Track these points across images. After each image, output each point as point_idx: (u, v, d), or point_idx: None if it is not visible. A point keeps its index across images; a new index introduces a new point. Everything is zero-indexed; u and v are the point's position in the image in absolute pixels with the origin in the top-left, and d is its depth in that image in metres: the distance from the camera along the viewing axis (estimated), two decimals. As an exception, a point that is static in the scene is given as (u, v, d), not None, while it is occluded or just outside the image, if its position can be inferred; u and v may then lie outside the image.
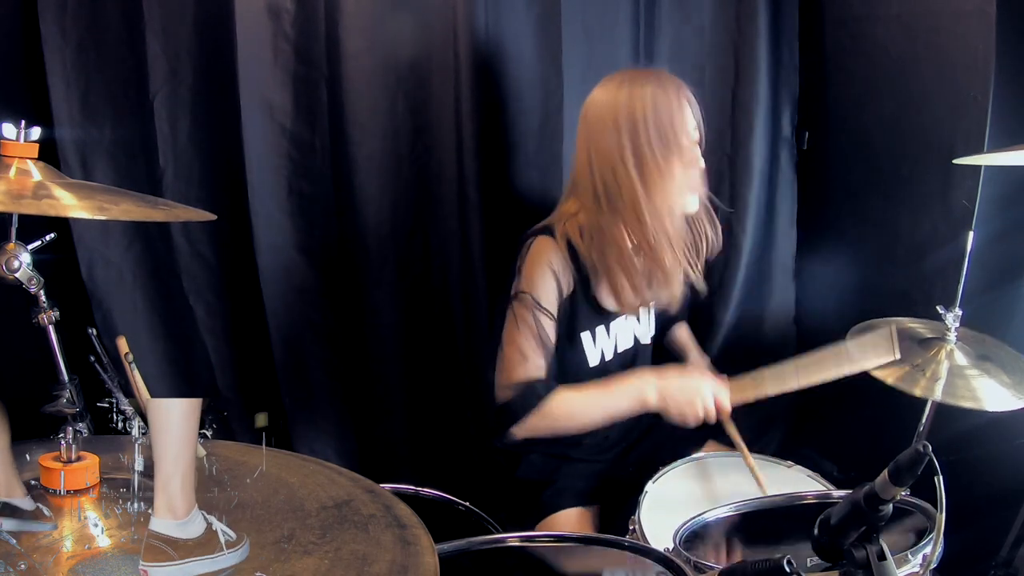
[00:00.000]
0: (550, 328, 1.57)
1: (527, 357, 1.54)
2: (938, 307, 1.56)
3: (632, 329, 1.72)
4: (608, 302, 1.63)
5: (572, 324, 1.61)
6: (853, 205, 2.16)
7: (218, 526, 0.88)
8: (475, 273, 1.96)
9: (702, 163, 1.58)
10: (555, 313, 1.57)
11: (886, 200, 2.02)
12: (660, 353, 1.89)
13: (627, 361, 1.72)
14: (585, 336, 1.63)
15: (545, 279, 1.56)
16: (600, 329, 1.64)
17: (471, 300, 1.99)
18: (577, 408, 1.57)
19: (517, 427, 1.55)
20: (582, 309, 1.61)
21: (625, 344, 1.70)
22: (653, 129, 1.50)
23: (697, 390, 1.54)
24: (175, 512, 0.86)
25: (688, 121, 1.54)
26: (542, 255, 1.57)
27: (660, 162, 1.51)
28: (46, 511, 0.89)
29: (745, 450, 1.59)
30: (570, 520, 1.62)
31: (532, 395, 1.54)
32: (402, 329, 2.05)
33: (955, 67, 1.79)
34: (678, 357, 1.91)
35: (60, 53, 1.79)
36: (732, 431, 1.61)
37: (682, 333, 1.95)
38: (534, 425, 1.54)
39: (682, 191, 1.56)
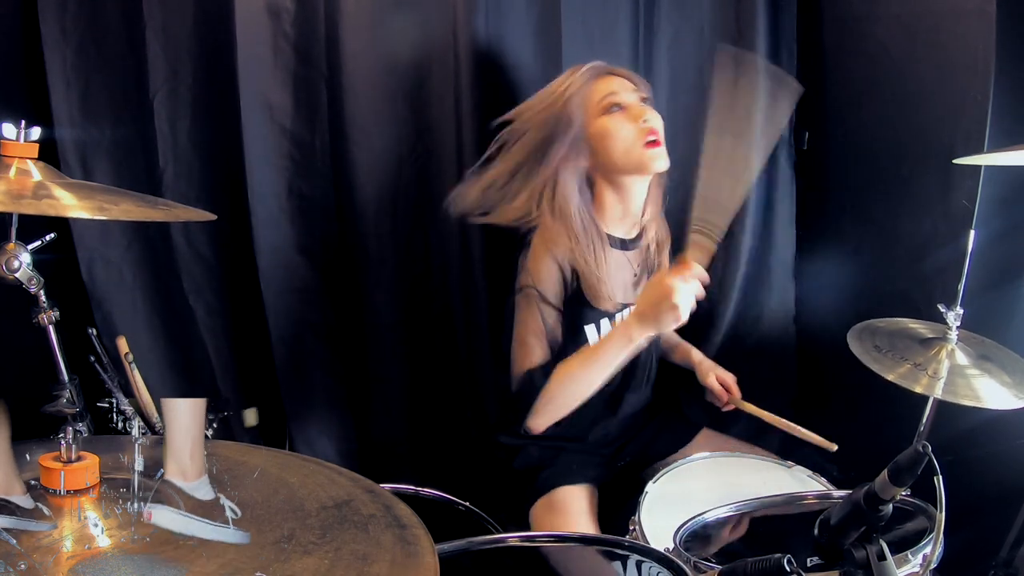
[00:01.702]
0: (555, 320, 1.57)
1: (532, 350, 1.56)
2: (939, 306, 1.56)
3: None
4: (591, 296, 1.62)
5: (576, 317, 1.61)
6: (853, 205, 2.16)
7: (226, 502, 0.90)
8: (475, 273, 1.96)
9: (655, 119, 1.58)
10: (560, 305, 1.58)
11: (886, 200, 2.02)
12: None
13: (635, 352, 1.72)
14: (589, 329, 1.63)
15: (550, 272, 1.56)
16: (604, 321, 1.65)
17: (471, 300, 1.99)
18: (573, 373, 1.52)
19: (531, 418, 1.54)
20: (585, 302, 1.61)
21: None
22: (569, 109, 1.57)
23: (664, 290, 1.39)
24: (185, 475, 0.92)
25: (618, 85, 1.59)
26: (546, 247, 1.57)
27: (586, 133, 1.57)
28: (46, 511, 0.89)
29: (776, 419, 1.62)
30: (568, 496, 1.62)
31: (531, 382, 1.54)
32: (402, 329, 2.05)
33: (955, 67, 1.79)
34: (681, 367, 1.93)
35: (60, 53, 1.79)
36: (752, 408, 1.62)
37: (676, 339, 1.96)
38: (543, 408, 1.53)
39: (637, 146, 1.56)
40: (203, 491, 0.92)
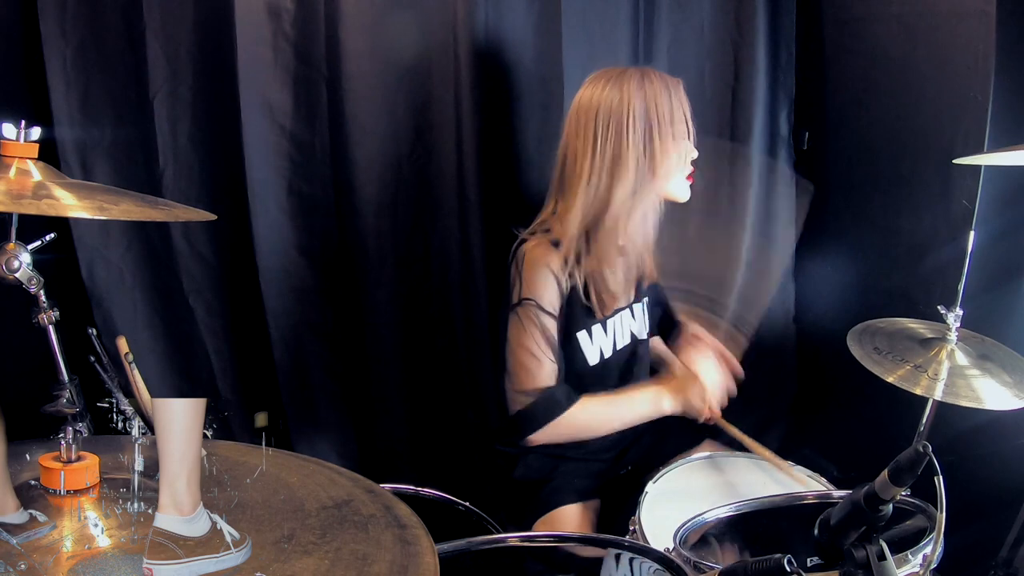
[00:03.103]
0: (555, 330, 1.58)
1: (541, 362, 1.56)
2: (939, 307, 1.56)
3: (628, 326, 1.72)
4: (596, 301, 1.63)
5: (569, 324, 1.61)
6: (853, 205, 2.16)
7: (223, 526, 0.88)
8: (475, 273, 1.96)
9: (694, 152, 1.62)
10: (557, 314, 1.58)
11: (886, 200, 2.02)
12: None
13: (626, 357, 1.73)
14: (582, 335, 1.63)
15: (546, 282, 1.57)
16: (596, 328, 1.65)
17: (471, 300, 1.99)
18: (600, 418, 1.63)
19: (536, 436, 1.58)
20: (577, 309, 1.61)
21: (623, 341, 1.71)
22: (641, 124, 1.52)
23: (703, 386, 1.64)
24: (181, 509, 0.86)
25: (676, 111, 1.56)
26: (539, 258, 1.57)
27: (648, 155, 1.54)
28: (41, 517, 0.89)
29: (753, 444, 1.62)
30: (568, 516, 1.62)
31: (552, 402, 1.57)
32: (402, 329, 2.05)
33: (955, 67, 1.79)
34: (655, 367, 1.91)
35: (60, 53, 1.79)
36: (732, 430, 1.63)
37: (655, 343, 1.95)
38: (553, 432, 1.58)
39: (674, 182, 1.61)
40: (200, 524, 0.88)
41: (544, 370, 1.56)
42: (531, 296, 1.56)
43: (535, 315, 1.56)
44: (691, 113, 1.60)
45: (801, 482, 1.53)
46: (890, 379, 1.50)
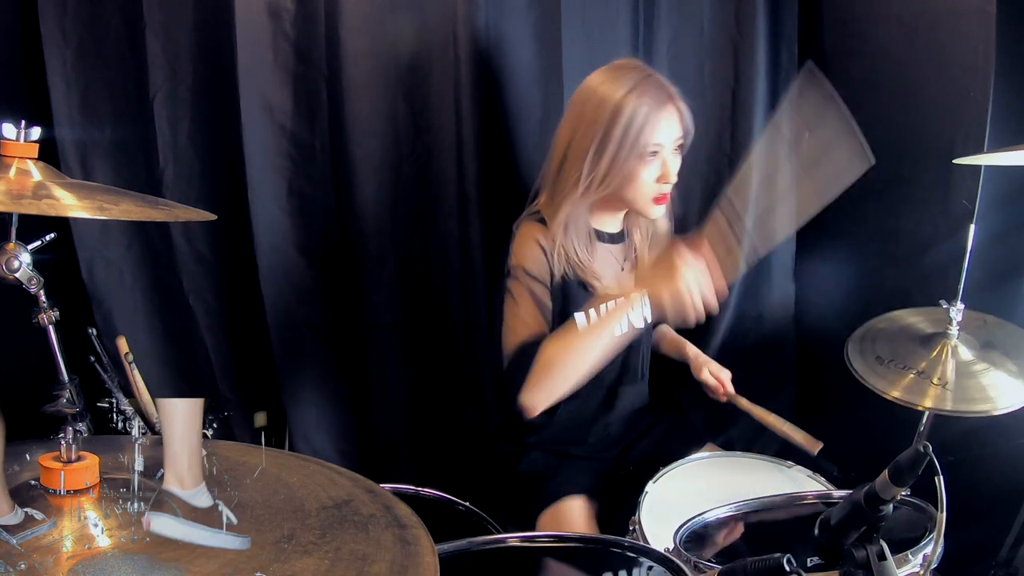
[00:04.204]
0: (545, 296, 1.59)
1: (528, 324, 1.56)
2: (940, 301, 1.56)
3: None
4: (592, 284, 1.63)
5: (565, 305, 1.61)
6: (853, 205, 2.14)
7: (224, 510, 0.91)
8: (475, 273, 1.96)
9: (674, 177, 1.58)
10: (548, 285, 1.59)
11: (886, 200, 2.02)
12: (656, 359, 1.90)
13: (624, 345, 1.72)
14: (580, 317, 1.63)
15: (534, 253, 1.58)
16: (592, 313, 1.64)
17: (471, 300, 1.99)
18: (569, 343, 1.51)
19: (525, 393, 1.50)
20: (573, 290, 1.62)
21: (619, 329, 1.70)
22: (632, 133, 1.51)
23: (684, 284, 1.45)
24: (183, 484, 0.93)
25: (667, 132, 1.54)
26: (530, 234, 1.60)
27: (625, 165, 1.53)
28: (37, 515, 0.89)
29: (765, 415, 1.63)
30: (573, 509, 1.62)
31: (526, 353, 1.52)
32: (402, 329, 2.05)
33: (955, 67, 1.79)
34: (674, 360, 1.91)
35: (60, 53, 1.79)
36: (744, 403, 1.63)
37: (668, 332, 1.95)
38: (538, 381, 1.50)
39: (647, 198, 1.58)
40: (201, 499, 0.93)
41: (529, 330, 1.55)
42: (519, 263, 1.58)
43: (522, 281, 1.57)
44: (688, 127, 1.57)
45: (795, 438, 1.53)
46: (895, 393, 1.49)
